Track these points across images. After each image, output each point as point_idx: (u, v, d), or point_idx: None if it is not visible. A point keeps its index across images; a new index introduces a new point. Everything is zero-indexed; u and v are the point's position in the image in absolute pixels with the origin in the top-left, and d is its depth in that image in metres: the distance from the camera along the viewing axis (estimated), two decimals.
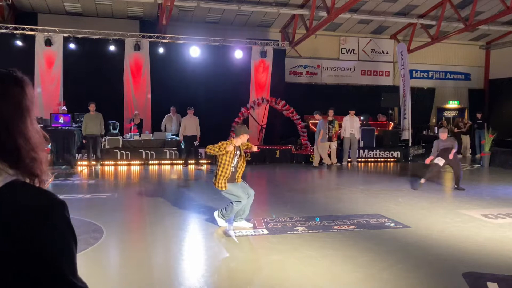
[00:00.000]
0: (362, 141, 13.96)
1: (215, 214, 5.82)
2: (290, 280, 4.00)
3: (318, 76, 17.72)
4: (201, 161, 12.44)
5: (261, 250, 5.02)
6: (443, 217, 6.44)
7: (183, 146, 12.19)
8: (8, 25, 13.21)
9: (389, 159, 14.22)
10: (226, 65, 14.66)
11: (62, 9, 14.50)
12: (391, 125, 15.98)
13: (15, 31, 13.03)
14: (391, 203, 7.43)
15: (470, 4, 14.25)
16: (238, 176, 5.65)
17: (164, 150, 12.65)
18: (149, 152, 12.52)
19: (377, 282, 3.94)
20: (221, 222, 5.74)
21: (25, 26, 13.23)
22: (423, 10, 15.33)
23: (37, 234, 0.88)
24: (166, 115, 13.59)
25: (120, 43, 13.96)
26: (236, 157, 5.62)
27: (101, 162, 11.90)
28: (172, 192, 8.81)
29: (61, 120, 11.83)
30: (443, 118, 18.89)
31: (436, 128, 16.86)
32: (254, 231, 5.59)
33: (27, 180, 0.97)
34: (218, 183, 5.52)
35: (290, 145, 13.96)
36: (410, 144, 14.76)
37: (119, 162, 12.27)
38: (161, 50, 14.11)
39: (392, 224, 6.00)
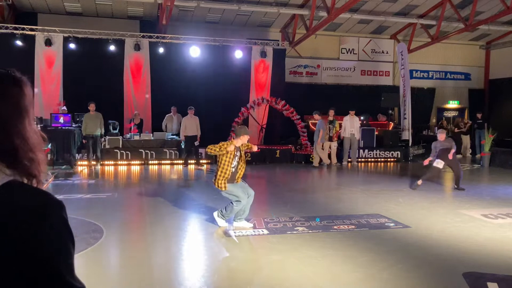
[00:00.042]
0: (362, 141, 13.96)
1: (215, 214, 5.82)
2: (290, 280, 4.00)
3: (318, 76, 17.71)
4: (201, 161, 12.45)
5: (261, 250, 5.02)
6: (443, 217, 6.44)
7: (183, 146, 12.21)
8: (8, 25, 13.21)
9: (389, 159, 14.22)
10: (226, 65, 14.65)
11: (62, 9, 14.50)
12: (391, 125, 15.97)
13: (15, 31, 13.03)
14: (391, 203, 7.43)
15: (470, 4, 14.25)
16: (238, 177, 5.66)
17: (164, 150, 12.66)
18: (149, 152, 12.52)
19: (377, 282, 3.94)
20: (221, 222, 5.74)
21: (25, 26, 13.24)
22: (423, 10, 15.33)
23: (34, 234, 0.88)
24: (167, 115, 13.60)
25: (120, 43, 13.96)
26: (236, 157, 5.63)
27: (101, 162, 11.91)
28: (172, 192, 8.80)
29: (61, 120, 11.83)
30: (443, 118, 18.88)
31: (436, 128, 16.84)
32: (254, 231, 5.58)
33: (25, 181, 0.96)
34: (218, 183, 5.54)
35: (290, 145, 13.96)
36: (410, 144, 14.75)
37: (119, 162, 12.28)
38: (161, 50, 14.11)
39: (392, 224, 6.00)
